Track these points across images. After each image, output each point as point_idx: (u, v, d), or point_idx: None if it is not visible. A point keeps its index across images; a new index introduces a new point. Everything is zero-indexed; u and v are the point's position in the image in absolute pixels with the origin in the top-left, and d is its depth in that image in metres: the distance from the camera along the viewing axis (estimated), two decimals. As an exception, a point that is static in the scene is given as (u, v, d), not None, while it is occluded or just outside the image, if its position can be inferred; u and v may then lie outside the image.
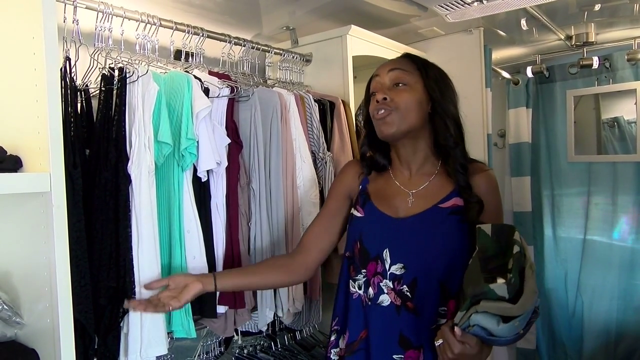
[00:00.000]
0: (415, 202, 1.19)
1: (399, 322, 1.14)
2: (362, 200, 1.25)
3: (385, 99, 1.16)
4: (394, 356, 1.13)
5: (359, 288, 1.20)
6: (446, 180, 1.19)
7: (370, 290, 1.17)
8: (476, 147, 2.27)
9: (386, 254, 1.15)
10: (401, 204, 1.20)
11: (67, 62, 1.13)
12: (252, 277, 1.29)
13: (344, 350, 1.23)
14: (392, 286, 1.14)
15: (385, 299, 1.15)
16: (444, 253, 1.12)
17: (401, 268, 1.14)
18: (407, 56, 1.25)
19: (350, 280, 1.23)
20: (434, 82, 1.18)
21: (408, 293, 1.13)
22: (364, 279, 1.19)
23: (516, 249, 0.95)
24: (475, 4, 1.81)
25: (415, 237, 1.15)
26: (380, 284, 1.16)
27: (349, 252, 1.25)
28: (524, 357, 2.98)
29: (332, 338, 1.27)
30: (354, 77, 1.89)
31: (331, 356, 1.26)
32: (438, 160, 1.23)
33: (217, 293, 1.35)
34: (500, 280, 0.91)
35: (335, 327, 1.27)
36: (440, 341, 0.97)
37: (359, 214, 1.24)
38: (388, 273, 1.15)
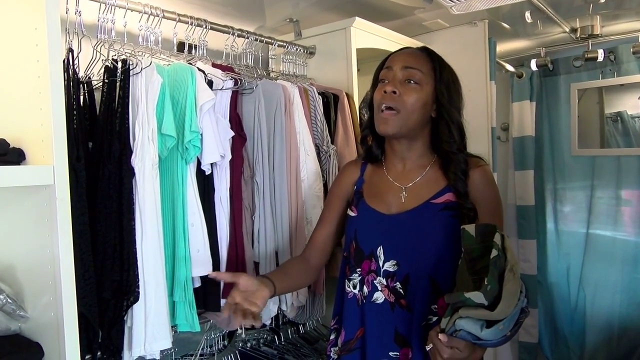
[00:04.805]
0: (408, 197, 1.19)
1: (394, 319, 1.14)
2: (356, 199, 1.26)
3: (394, 92, 1.14)
4: (390, 353, 1.14)
5: (354, 287, 1.21)
6: (440, 174, 1.19)
7: (365, 289, 1.17)
8: (480, 141, 2.26)
9: (380, 251, 1.16)
10: (394, 199, 1.20)
11: (70, 53, 1.12)
12: (291, 281, 1.27)
13: (341, 349, 1.23)
14: (385, 283, 1.15)
15: (379, 297, 1.16)
16: (435, 249, 1.12)
17: (394, 265, 1.14)
18: (425, 51, 1.22)
19: (346, 280, 1.23)
20: (445, 87, 1.17)
21: (401, 290, 1.13)
22: (359, 278, 1.20)
23: (494, 252, 0.94)
24: (481, -5, 1.79)
25: (408, 234, 1.14)
26: (374, 281, 1.16)
27: (346, 252, 1.26)
28: (526, 351, 2.98)
29: (332, 337, 1.28)
30: (358, 70, 1.87)
31: (331, 354, 1.27)
32: (433, 154, 1.22)
33: (222, 286, 1.35)
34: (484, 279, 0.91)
35: (335, 326, 1.28)
36: (431, 345, 0.97)
37: (353, 214, 1.24)
38: (382, 270, 1.15)
